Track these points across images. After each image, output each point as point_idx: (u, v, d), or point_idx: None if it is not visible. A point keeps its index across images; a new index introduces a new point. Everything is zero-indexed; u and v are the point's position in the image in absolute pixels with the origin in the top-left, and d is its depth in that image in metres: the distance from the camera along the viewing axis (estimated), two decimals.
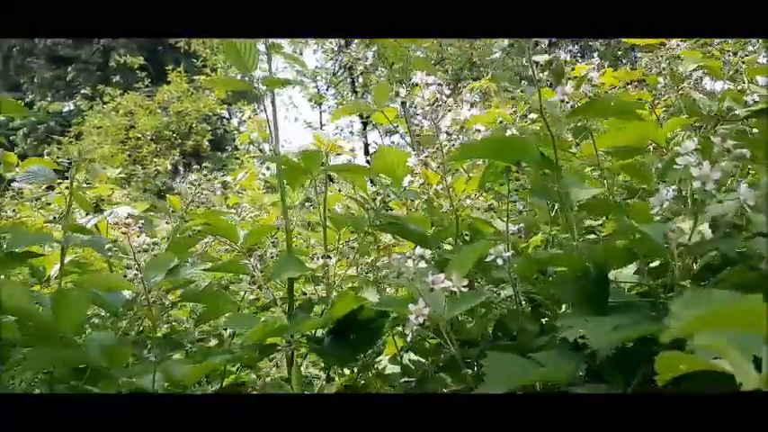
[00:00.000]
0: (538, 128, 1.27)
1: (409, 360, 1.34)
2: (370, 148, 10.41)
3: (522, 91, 0.90)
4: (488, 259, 0.92)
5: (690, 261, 1.12)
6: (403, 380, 1.34)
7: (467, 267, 0.83)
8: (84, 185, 1.98)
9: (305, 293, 1.48)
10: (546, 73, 0.83)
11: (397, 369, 1.37)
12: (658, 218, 1.10)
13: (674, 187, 0.79)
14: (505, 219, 1.00)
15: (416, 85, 1.12)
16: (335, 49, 9.37)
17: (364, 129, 10.17)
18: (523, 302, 1.15)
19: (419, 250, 0.84)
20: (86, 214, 1.62)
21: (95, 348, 0.93)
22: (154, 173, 8.81)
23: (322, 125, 10.74)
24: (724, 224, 0.94)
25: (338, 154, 1.41)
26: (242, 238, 1.12)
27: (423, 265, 0.82)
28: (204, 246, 1.22)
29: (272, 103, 1.20)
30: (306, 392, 0.92)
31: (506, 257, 0.92)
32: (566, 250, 1.04)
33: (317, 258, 1.14)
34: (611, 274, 1.06)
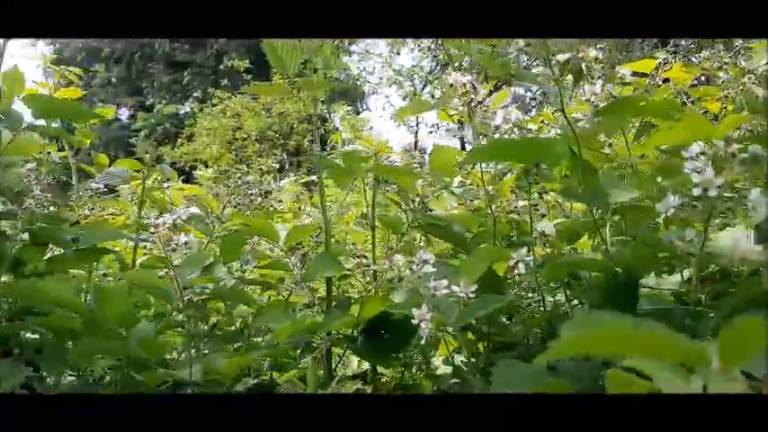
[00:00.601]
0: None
1: (461, 361, 1.33)
2: (466, 146, 10.34)
3: (544, 93, 0.87)
4: (510, 263, 0.90)
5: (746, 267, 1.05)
6: (453, 380, 1.34)
7: (478, 273, 0.82)
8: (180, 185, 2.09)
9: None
10: (565, 73, 0.80)
11: (449, 370, 1.36)
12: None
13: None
14: (529, 221, 0.97)
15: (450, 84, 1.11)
16: (432, 47, 9.36)
17: (460, 126, 10.09)
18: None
19: (422, 254, 0.83)
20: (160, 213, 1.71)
21: (134, 341, 0.99)
22: (258, 172, 9.17)
23: (417, 123, 10.78)
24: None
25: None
26: (283, 237, 1.15)
27: (429, 269, 0.82)
28: (253, 244, 1.27)
29: (314, 103, 1.23)
30: (315, 392, 0.93)
31: (528, 261, 0.89)
32: (603, 254, 1.00)
33: (356, 258, 1.16)
34: (654, 282, 1.02)
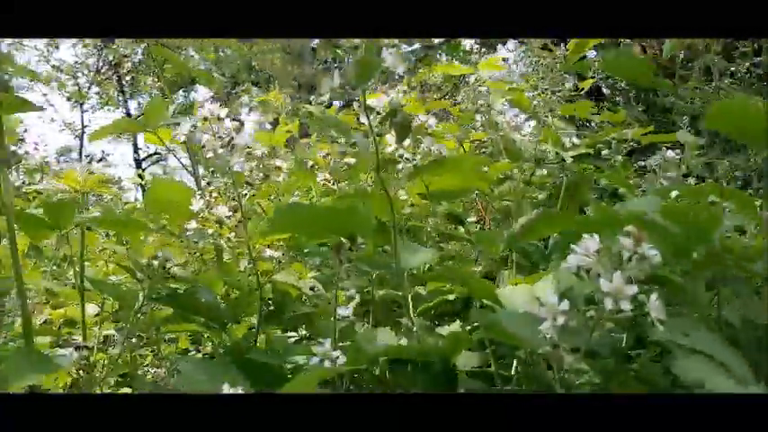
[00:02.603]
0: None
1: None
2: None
3: (347, 142, 0.71)
4: None
5: None
6: None
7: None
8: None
9: None
10: (386, 124, 0.64)
11: None
12: None
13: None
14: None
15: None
16: (99, 44, 8.38)
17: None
18: None
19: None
20: None
21: None
22: None
23: (84, 127, 9.52)
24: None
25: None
26: None
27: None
28: None
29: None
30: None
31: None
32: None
33: None
34: None
